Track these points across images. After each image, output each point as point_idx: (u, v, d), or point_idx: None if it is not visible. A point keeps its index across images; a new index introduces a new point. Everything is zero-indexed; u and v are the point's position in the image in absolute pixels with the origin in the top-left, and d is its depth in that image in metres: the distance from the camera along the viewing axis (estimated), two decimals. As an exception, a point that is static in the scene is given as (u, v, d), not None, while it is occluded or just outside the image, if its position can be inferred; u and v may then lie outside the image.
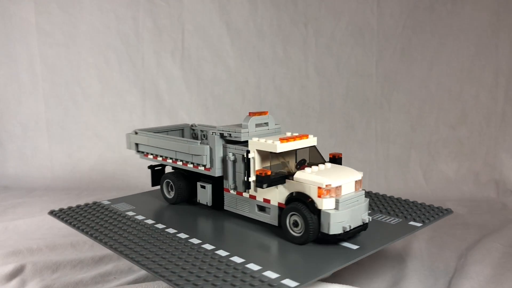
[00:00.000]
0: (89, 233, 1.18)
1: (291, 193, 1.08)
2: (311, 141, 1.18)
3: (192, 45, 2.53)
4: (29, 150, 2.69)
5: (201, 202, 1.34)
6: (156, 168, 1.51)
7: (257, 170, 1.09)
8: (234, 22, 2.48)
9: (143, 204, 1.43)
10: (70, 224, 1.26)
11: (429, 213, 1.32)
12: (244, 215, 1.22)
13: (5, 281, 1.36)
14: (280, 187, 1.11)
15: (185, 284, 0.86)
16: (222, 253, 1.01)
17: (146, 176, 1.56)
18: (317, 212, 1.03)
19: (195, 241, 1.09)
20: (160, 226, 1.21)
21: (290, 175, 1.09)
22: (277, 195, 1.12)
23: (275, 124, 1.30)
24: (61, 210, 1.33)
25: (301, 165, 1.15)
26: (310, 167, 1.11)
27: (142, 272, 1.39)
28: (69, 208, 1.36)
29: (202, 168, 1.28)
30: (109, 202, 1.44)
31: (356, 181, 1.09)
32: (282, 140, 1.11)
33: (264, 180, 1.07)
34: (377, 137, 2.40)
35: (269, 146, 1.11)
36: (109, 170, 2.52)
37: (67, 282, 1.36)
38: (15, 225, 1.84)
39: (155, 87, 2.58)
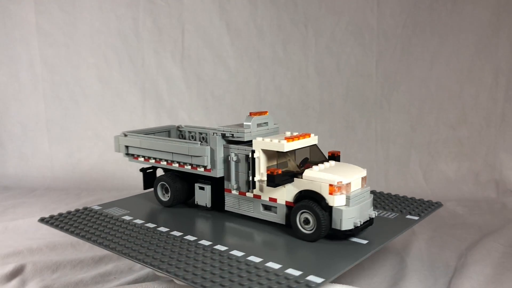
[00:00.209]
0: (86, 237, 1.15)
1: (301, 191, 1.10)
2: (313, 139, 1.21)
3: (192, 45, 2.53)
4: (29, 150, 2.69)
5: (199, 204, 1.32)
6: (148, 171, 1.48)
7: (268, 169, 1.09)
8: (234, 22, 2.48)
9: (137, 207, 1.39)
10: (65, 230, 1.21)
11: (421, 206, 1.37)
12: (247, 215, 1.22)
13: (5, 281, 1.37)
14: (288, 185, 1.12)
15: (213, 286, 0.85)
16: (237, 253, 1.01)
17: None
18: (329, 209, 1.05)
19: (205, 242, 1.07)
20: (163, 229, 1.18)
21: (299, 174, 1.10)
22: (284, 193, 1.13)
23: (274, 124, 1.30)
24: (51, 217, 1.27)
25: (304, 164, 1.15)
26: (316, 165, 1.13)
27: (142, 272, 1.39)
28: (60, 214, 1.31)
29: (202, 169, 1.26)
30: (100, 207, 1.38)
31: (362, 178, 1.13)
32: (288, 139, 1.12)
33: (276, 179, 1.08)
34: (377, 137, 2.40)
35: (276, 146, 1.12)
36: (109, 170, 2.52)
37: (67, 282, 1.36)
38: (15, 225, 1.84)
39: (155, 87, 2.59)
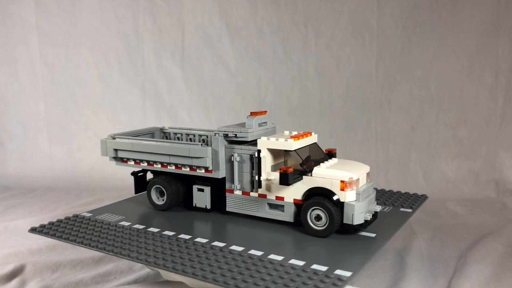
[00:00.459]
0: (91, 245, 1.09)
1: (310, 189, 1.11)
2: (314, 138, 1.23)
3: (192, 45, 2.53)
4: (29, 150, 2.69)
5: (198, 206, 1.29)
6: (139, 174, 1.42)
7: (281, 168, 1.11)
8: (234, 22, 2.48)
9: (131, 212, 1.32)
10: (58, 237, 1.14)
11: (409, 199, 1.40)
12: (252, 215, 1.21)
13: (5, 281, 1.37)
14: (296, 183, 1.13)
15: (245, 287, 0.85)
16: (255, 252, 1.01)
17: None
18: (340, 204, 1.08)
19: (218, 244, 1.06)
20: (169, 233, 1.14)
21: (308, 171, 1.12)
22: (292, 191, 1.14)
23: (272, 123, 1.30)
24: (42, 226, 1.20)
25: (307, 162, 1.16)
26: (318, 162, 1.15)
27: (143, 272, 1.39)
28: (50, 223, 1.22)
29: (202, 171, 1.23)
30: (90, 214, 1.30)
31: (367, 173, 1.16)
32: (294, 137, 1.14)
33: (289, 178, 1.09)
34: (377, 137, 2.40)
35: (283, 145, 1.13)
36: (109, 170, 2.52)
37: (67, 282, 1.36)
38: (15, 225, 1.84)
39: (155, 87, 2.59)
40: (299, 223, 1.14)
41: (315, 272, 0.90)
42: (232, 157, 1.20)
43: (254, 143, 1.20)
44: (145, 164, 1.32)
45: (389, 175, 2.34)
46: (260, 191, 1.18)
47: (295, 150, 1.14)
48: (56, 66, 2.63)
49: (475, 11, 2.25)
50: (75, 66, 2.62)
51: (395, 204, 1.34)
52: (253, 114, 1.23)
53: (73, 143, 2.64)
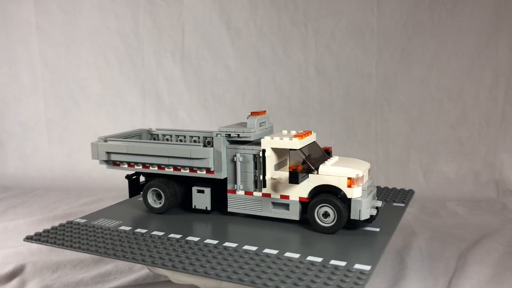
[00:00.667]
0: (99, 251, 1.04)
1: (316, 186, 1.13)
2: (313, 137, 1.25)
3: (192, 45, 2.53)
4: (29, 150, 2.69)
5: (198, 207, 1.27)
6: (134, 177, 1.38)
7: (291, 166, 1.12)
8: (234, 22, 2.48)
9: (127, 216, 1.28)
10: (57, 245, 1.09)
11: (399, 194, 1.43)
12: (255, 214, 1.21)
13: (5, 281, 1.37)
14: (302, 182, 1.15)
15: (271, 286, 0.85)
16: (271, 251, 1.00)
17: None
18: (347, 201, 1.10)
19: (231, 244, 1.05)
20: (175, 236, 1.11)
21: (314, 169, 1.14)
22: (297, 190, 1.15)
23: (270, 123, 1.31)
24: (37, 234, 1.14)
25: (308, 160, 1.17)
26: (325, 161, 1.18)
27: (143, 272, 1.39)
28: (45, 231, 1.16)
29: (204, 172, 1.22)
30: (85, 220, 1.24)
31: (368, 170, 1.20)
32: (298, 136, 1.16)
33: (299, 176, 1.11)
34: (377, 137, 2.40)
35: (288, 144, 1.15)
36: (109, 170, 2.52)
37: (67, 282, 1.36)
38: (15, 225, 1.84)
39: (155, 87, 2.59)
40: (302, 221, 1.16)
41: (336, 267, 0.91)
42: (235, 157, 1.20)
43: (254, 142, 1.20)
44: (140, 166, 1.29)
45: (389, 175, 2.34)
46: (264, 190, 1.18)
47: (300, 149, 1.15)
48: (56, 66, 2.63)
49: (475, 11, 2.25)
50: (75, 66, 2.62)
51: (387, 199, 1.37)
52: (253, 114, 1.24)
53: (73, 143, 2.64)
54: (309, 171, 1.14)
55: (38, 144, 2.68)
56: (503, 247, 1.53)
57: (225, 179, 1.23)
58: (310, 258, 0.96)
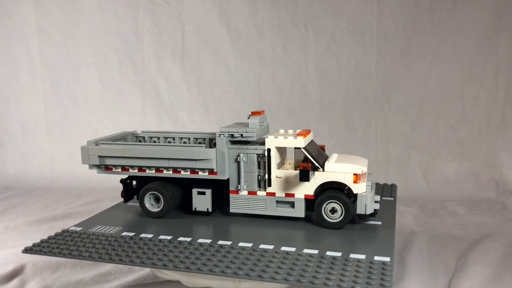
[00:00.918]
0: (111, 259, 1.00)
1: (322, 183, 1.15)
2: (312, 135, 1.27)
3: (192, 45, 2.53)
4: (29, 150, 2.69)
5: (198, 209, 1.25)
6: (128, 182, 1.35)
7: (301, 164, 1.14)
8: (234, 22, 2.48)
9: (125, 221, 1.24)
10: (57, 255, 1.04)
11: (384, 189, 1.48)
12: (259, 214, 1.21)
13: (5, 281, 1.37)
14: None
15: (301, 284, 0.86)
16: (288, 249, 1.01)
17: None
18: (353, 196, 1.13)
19: (245, 245, 1.04)
20: (184, 239, 1.08)
21: (319, 167, 1.15)
22: (303, 187, 1.17)
23: (266, 122, 1.31)
24: (35, 245, 1.08)
25: (314, 157, 1.17)
26: (328, 158, 1.21)
27: (143, 272, 1.39)
28: (42, 241, 1.10)
29: (205, 173, 1.20)
30: (81, 228, 1.18)
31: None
32: (301, 135, 1.17)
33: (309, 173, 1.13)
34: (377, 137, 2.40)
35: (293, 142, 1.17)
36: (109, 170, 2.52)
37: (67, 282, 1.36)
38: (15, 225, 1.84)
39: (155, 87, 2.59)
40: (306, 218, 1.19)
41: (358, 260, 0.93)
42: (238, 157, 1.20)
43: (255, 142, 1.21)
44: (136, 170, 1.25)
45: (389, 175, 2.34)
46: (269, 189, 1.19)
47: (304, 147, 1.16)
48: (56, 66, 2.63)
49: (475, 11, 2.25)
50: (75, 66, 2.62)
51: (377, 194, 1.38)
52: (254, 113, 1.24)
53: (73, 143, 2.64)
54: (314, 168, 1.15)
55: (38, 144, 2.68)
56: (503, 247, 1.53)
57: (227, 179, 1.22)
58: (329, 253, 0.98)
